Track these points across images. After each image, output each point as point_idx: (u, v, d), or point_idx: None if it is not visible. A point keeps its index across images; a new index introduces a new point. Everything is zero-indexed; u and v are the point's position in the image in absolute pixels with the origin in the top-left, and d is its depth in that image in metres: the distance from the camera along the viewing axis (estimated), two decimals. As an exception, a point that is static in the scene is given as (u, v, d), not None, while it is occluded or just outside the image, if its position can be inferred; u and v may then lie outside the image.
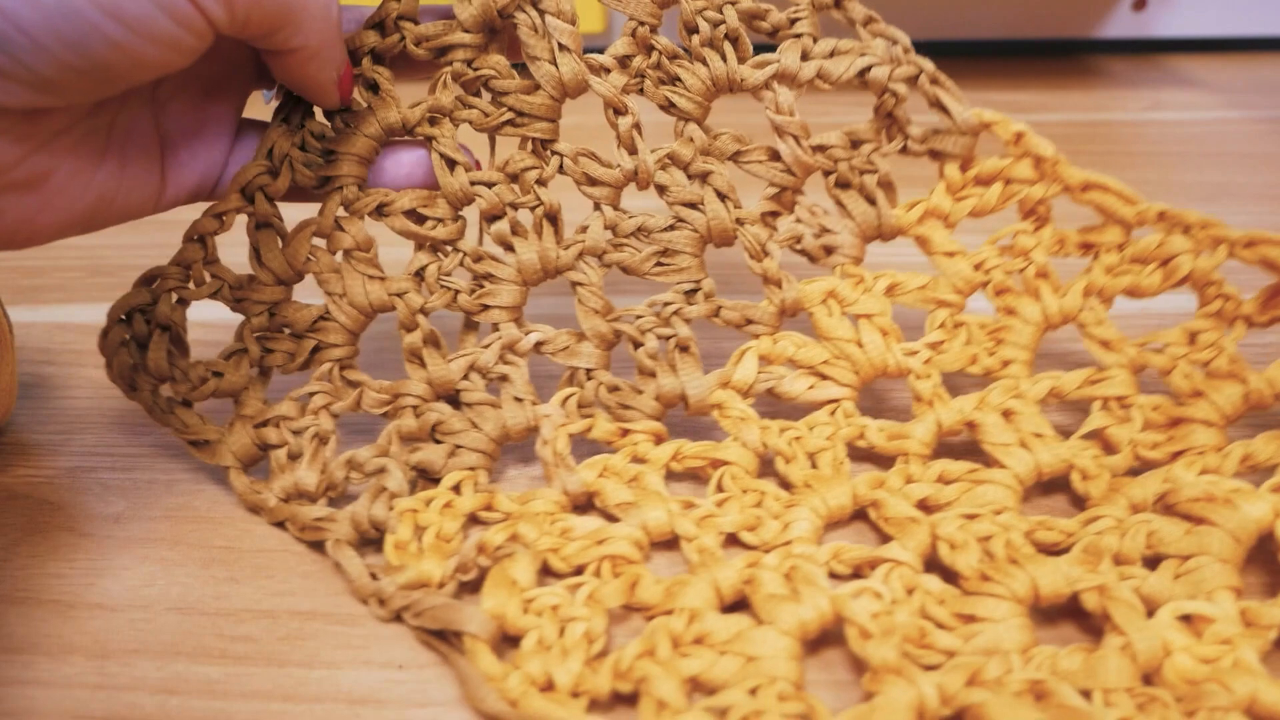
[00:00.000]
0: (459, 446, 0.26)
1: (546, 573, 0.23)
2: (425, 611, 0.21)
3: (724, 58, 0.28)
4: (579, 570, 0.23)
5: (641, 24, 0.28)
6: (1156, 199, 0.46)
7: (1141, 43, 0.72)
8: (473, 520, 0.25)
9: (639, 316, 0.28)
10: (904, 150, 0.29)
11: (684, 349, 0.27)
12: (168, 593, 0.23)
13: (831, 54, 0.28)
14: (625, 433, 0.27)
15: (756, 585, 0.22)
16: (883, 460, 0.26)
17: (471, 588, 0.23)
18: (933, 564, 0.23)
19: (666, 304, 0.28)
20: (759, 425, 0.26)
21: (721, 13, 0.28)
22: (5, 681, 0.21)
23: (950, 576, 0.22)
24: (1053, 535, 0.23)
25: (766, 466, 0.26)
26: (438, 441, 0.26)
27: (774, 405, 0.28)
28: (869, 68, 0.28)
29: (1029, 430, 0.25)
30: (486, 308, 0.27)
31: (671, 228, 0.28)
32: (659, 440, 0.27)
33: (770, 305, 0.28)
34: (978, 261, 0.29)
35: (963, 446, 0.27)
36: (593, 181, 0.28)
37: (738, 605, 0.22)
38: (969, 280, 0.28)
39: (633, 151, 0.28)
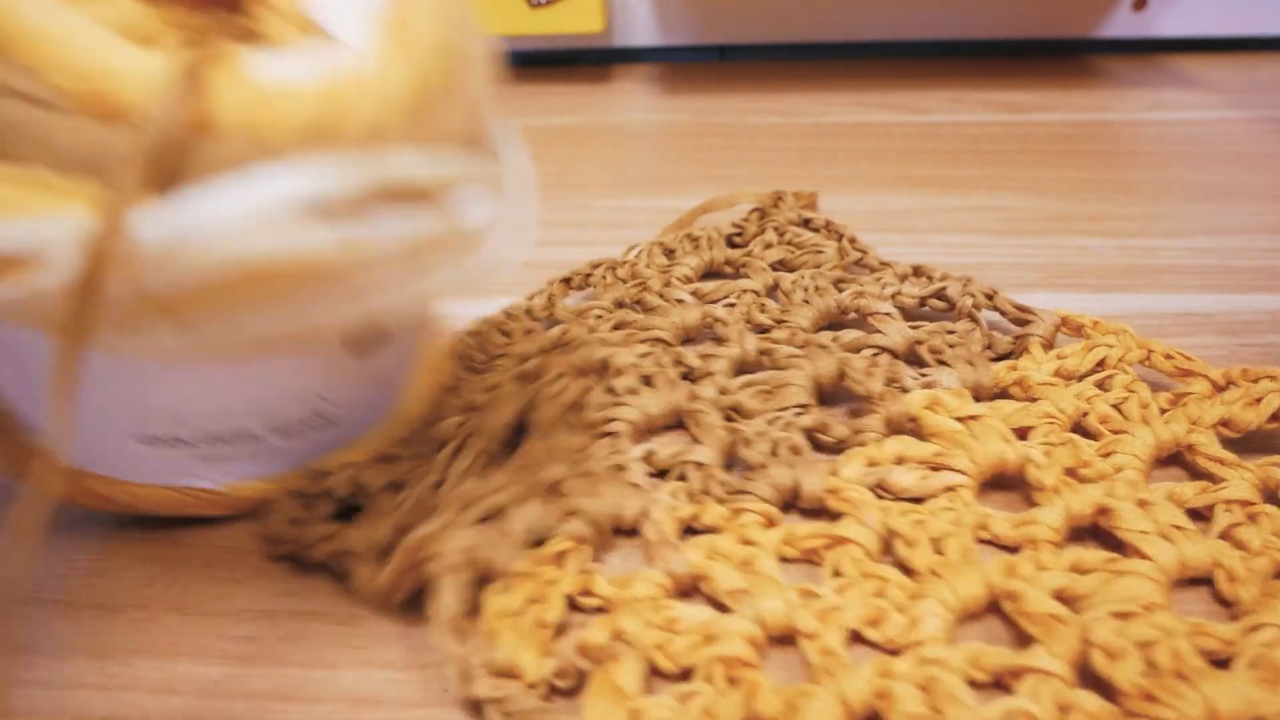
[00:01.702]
0: (572, 513, 0.24)
1: (650, 671, 0.21)
2: (518, 715, 0.19)
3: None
4: (686, 672, 0.20)
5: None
6: (1156, 199, 0.46)
7: (1141, 43, 0.72)
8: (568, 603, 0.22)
9: (752, 426, 0.27)
10: (988, 346, 0.31)
11: (796, 451, 0.26)
12: (168, 593, 0.23)
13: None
14: (736, 513, 0.24)
15: (891, 701, 0.19)
16: (1008, 551, 0.24)
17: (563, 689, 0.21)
18: (1082, 669, 0.20)
19: (775, 418, 0.28)
20: (877, 507, 0.24)
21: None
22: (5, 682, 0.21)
23: (1104, 688, 0.19)
24: (1210, 642, 0.20)
25: (884, 550, 0.24)
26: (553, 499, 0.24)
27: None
28: (944, 289, 0.33)
29: (1167, 521, 0.23)
30: (613, 429, 0.27)
31: (784, 385, 0.29)
32: (770, 524, 0.24)
33: (876, 419, 0.27)
34: (1078, 393, 0.28)
35: (1088, 534, 0.24)
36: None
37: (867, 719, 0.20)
38: (1073, 405, 0.27)
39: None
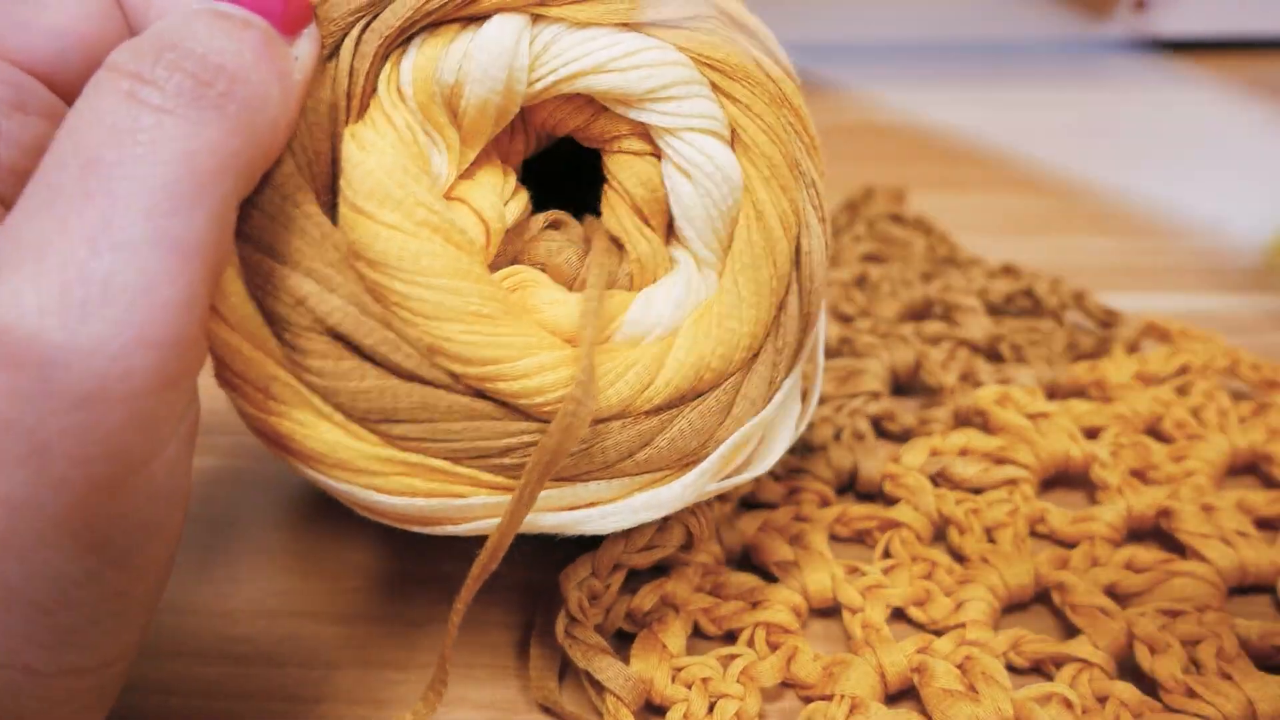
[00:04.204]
0: None
1: (696, 633, 0.21)
2: (581, 642, 0.20)
3: None
4: (730, 634, 0.21)
5: None
6: (1157, 199, 0.46)
7: (1141, 43, 0.72)
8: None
9: (818, 411, 0.28)
10: (1070, 346, 0.31)
11: (860, 437, 0.26)
12: (168, 593, 0.23)
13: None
14: (792, 491, 0.25)
15: (927, 675, 0.19)
16: (1065, 546, 0.24)
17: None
18: (1125, 664, 0.20)
19: (842, 405, 0.28)
20: (933, 493, 0.24)
21: None
22: (5, 681, 0.21)
23: (1146, 683, 0.19)
24: (1263, 646, 0.20)
25: (937, 537, 0.24)
26: None
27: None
28: (1031, 287, 0.33)
29: (1231, 527, 0.23)
30: None
31: (859, 372, 0.29)
32: (824, 503, 0.25)
33: (944, 410, 0.28)
34: (1155, 395, 0.28)
35: (1151, 535, 0.24)
36: None
37: (902, 693, 0.20)
38: (1149, 409, 0.27)
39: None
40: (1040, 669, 0.20)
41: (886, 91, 0.65)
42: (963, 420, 0.28)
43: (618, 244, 0.19)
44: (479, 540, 0.17)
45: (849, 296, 0.34)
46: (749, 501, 0.25)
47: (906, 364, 0.29)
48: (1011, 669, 0.20)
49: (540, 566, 0.23)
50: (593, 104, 0.18)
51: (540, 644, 0.21)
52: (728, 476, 0.19)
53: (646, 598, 0.21)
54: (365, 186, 0.16)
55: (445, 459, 0.17)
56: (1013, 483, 0.25)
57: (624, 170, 0.19)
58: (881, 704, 0.19)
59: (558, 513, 0.17)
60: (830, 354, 0.31)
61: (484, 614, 0.22)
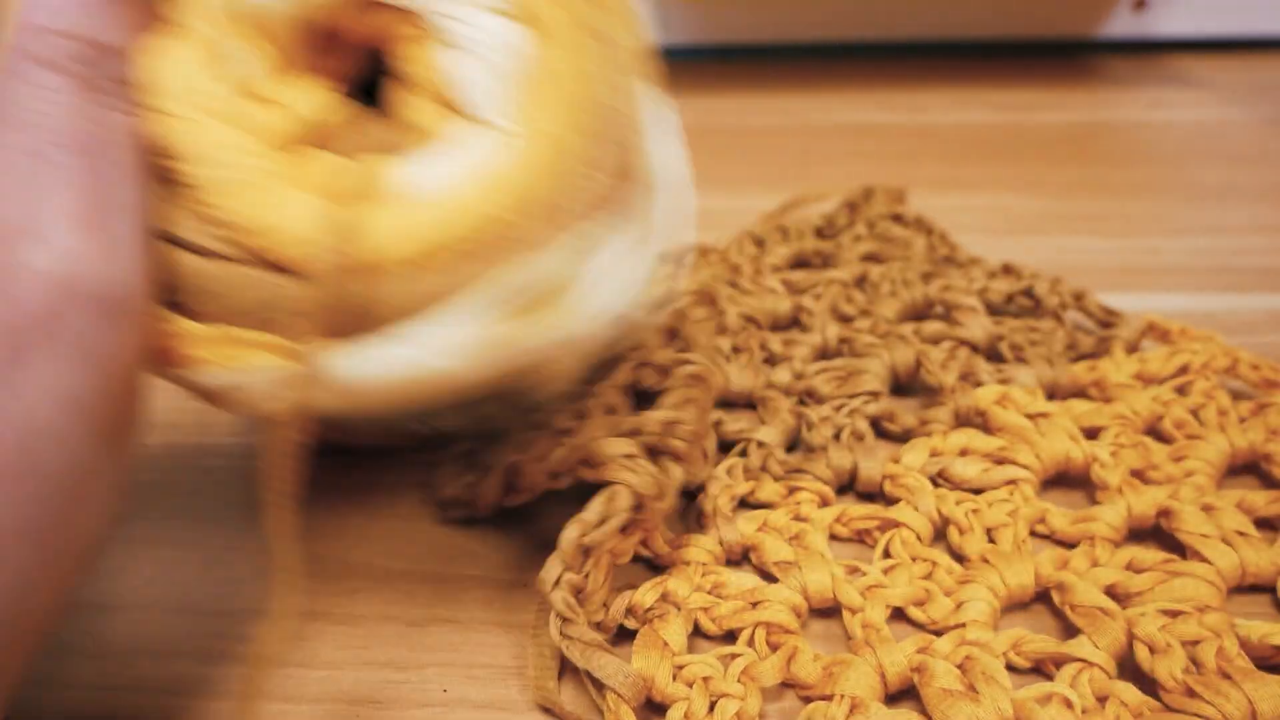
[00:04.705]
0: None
1: (696, 632, 0.21)
2: (577, 641, 0.20)
3: None
4: (730, 634, 0.21)
5: None
6: (1157, 199, 0.46)
7: (1141, 43, 0.72)
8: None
9: (818, 412, 0.28)
10: (1070, 346, 0.31)
11: (859, 438, 0.27)
12: (168, 593, 0.23)
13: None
14: (791, 491, 0.25)
15: (928, 675, 0.19)
16: (1065, 546, 0.24)
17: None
18: (1125, 664, 0.20)
19: (843, 405, 0.28)
20: (934, 494, 0.24)
21: None
22: (6, 681, 0.21)
23: (1146, 683, 0.19)
24: (1262, 647, 0.20)
25: (937, 538, 0.24)
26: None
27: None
28: (1031, 287, 0.34)
29: (1231, 527, 0.23)
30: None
31: (859, 372, 0.29)
32: (824, 503, 0.25)
33: (945, 410, 0.28)
34: (1155, 395, 0.28)
35: (1151, 536, 0.24)
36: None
37: (902, 693, 0.20)
38: (1149, 409, 0.27)
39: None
40: (1040, 669, 0.20)
41: (886, 91, 0.65)
42: (963, 420, 0.28)
43: (401, 121, 0.20)
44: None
45: (849, 296, 0.34)
46: (749, 502, 0.25)
47: (906, 364, 0.29)
48: (1011, 669, 0.20)
49: (537, 566, 0.23)
50: (375, 4, 0.19)
51: (537, 644, 0.21)
52: (533, 327, 0.19)
53: (647, 594, 0.21)
54: (151, 82, 0.18)
55: (241, 326, 0.18)
56: (1013, 483, 0.25)
57: (408, 52, 0.20)
58: (881, 704, 0.19)
59: (349, 359, 0.18)
60: (830, 354, 0.31)
61: (482, 614, 0.22)
